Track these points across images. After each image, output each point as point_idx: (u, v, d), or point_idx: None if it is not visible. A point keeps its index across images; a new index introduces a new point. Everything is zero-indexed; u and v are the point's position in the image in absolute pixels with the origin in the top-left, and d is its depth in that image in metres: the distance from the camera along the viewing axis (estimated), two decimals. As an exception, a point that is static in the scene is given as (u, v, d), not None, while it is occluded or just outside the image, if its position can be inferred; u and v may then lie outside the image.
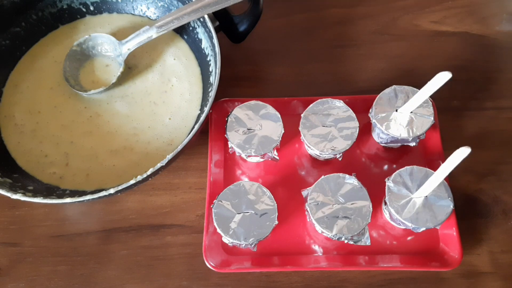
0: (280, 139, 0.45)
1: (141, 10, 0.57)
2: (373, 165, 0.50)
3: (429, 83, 0.41)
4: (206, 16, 0.49)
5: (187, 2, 0.51)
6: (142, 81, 0.53)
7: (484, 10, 0.60)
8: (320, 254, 0.46)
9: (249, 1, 0.51)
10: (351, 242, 0.42)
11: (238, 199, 0.43)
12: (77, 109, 0.52)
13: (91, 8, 0.57)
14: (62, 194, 0.47)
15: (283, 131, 0.46)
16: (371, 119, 0.47)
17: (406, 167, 0.44)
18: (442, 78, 0.39)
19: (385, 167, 0.50)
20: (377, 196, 0.45)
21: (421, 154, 0.50)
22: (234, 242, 0.42)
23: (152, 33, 0.51)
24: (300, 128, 0.46)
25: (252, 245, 0.42)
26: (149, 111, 0.51)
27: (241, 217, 0.42)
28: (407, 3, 0.61)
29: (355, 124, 0.46)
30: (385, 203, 0.44)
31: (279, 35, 0.60)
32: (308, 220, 0.43)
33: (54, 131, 0.50)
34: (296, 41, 0.59)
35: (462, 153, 0.35)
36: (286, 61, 0.58)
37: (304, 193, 0.44)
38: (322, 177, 0.43)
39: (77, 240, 0.49)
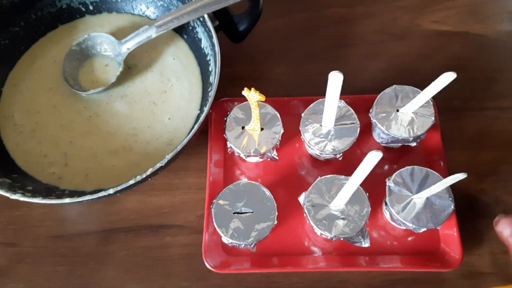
0: (280, 139, 0.45)
1: (141, 9, 0.57)
2: (373, 165, 0.50)
3: (433, 83, 0.41)
4: (205, 16, 0.49)
5: (186, 1, 0.51)
6: (141, 81, 0.53)
7: (485, 10, 0.60)
8: (320, 254, 0.46)
9: (249, 1, 0.51)
10: (351, 242, 0.42)
11: (237, 199, 0.42)
12: (77, 109, 0.52)
13: (91, 7, 0.57)
14: (61, 194, 0.46)
15: (282, 131, 0.46)
16: (371, 119, 0.47)
17: (406, 167, 0.44)
18: (447, 78, 0.39)
19: (386, 167, 0.50)
20: (377, 196, 0.45)
21: (421, 154, 0.50)
22: (233, 243, 0.42)
23: (151, 32, 0.51)
24: (300, 128, 0.46)
25: (252, 246, 0.42)
26: (149, 111, 0.51)
27: (240, 217, 0.42)
28: (407, 3, 0.61)
29: (356, 124, 0.46)
30: (386, 204, 0.44)
31: (279, 35, 0.59)
32: (307, 222, 0.43)
33: (53, 131, 0.50)
34: (296, 41, 0.59)
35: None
36: (286, 61, 0.58)
37: (300, 199, 0.44)
38: (319, 178, 0.43)
39: (77, 241, 0.48)
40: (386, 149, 0.50)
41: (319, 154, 0.47)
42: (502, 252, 0.47)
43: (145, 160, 0.48)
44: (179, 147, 0.42)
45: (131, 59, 0.54)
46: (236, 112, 0.47)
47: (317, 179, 0.43)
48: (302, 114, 0.46)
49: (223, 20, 0.51)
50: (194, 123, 0.50)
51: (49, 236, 0.49)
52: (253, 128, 0.46)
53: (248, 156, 0.46)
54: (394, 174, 0.44)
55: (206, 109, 0.44)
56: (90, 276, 0.47)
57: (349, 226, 0.41)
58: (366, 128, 0.50)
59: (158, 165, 0.41)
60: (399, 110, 0.46)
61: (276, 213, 0.42)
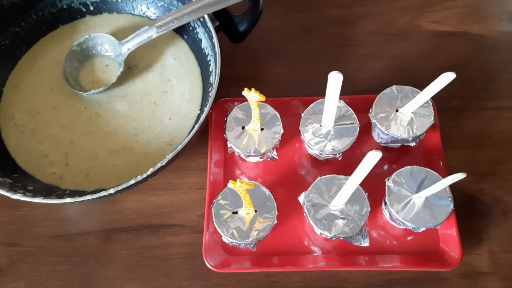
0: (280, 139, 0.46)
1: (141, 10, 0.57)
2: (373, 165, 0.50)
3: (432, 83, 0.41)
4: (206, 16, 0.49)
5: (187, 2, 0.51)
6: (142, 81, 0.53)
7: (484, 10, 0.60)
8: (320, 254, 0.46)
9: (249, 1, 0.51)
10: (351, 241, 0.42)
11: (237, 199, 0.42)
12: (77, 109, 0.52)
13: (91, 8, 0.57)
14: (62, 194, 0.47)
15: (282, 131, 0.46)
16: (371, 119, 0.47)
17: (406, 167, 0.44)
18: (446, 78, 0.39)
19: (385, 167, 0.50)
20: (377, 196, 0.45)
21: (421, 154, 0.50)
22: (233, 242, 0.42)
23: (152, 33, 0.51)
24: (300, 128, 0.46)
25: (252, 245, 0.42)
26: (149, 111, 0.51)
27: (240, 217, 0.42)
28: (407, 3, 0.61)
29: (355, 124, 0.46)
30: (385, 203, 0.44)
31: (279, 35, 0.60)
32: (307, 222, 0.43)
33: (54, 131, 0.50)
34: (296, 41, 0.59)
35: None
36: (286, 61, 0.58)
37: (300, 198, 0.44)
38: (318, 178, 0.43)
39: (77, 240, 0.49)
40: (385, 149, 0.50)
41: (318, 154, 0.47)
42: (501, 252, 0.47)
43: (145, 160, 0.49)
44: (179, 147, 0.42)
45: (132, 59, 0.54)
46: (236, 112, 0.47)
47: (316, 179, 0.44)
48: (302, 114, 0.47)
49: (223, 21, 0.51)
50: (195, 123, 0.51)
51: (49, 236, 0.49)
52: (253, 128, 0.46)
53: (248, 156, 0.46)
54: (394, 174, 0.44)
55: (206, 109, 0.44)
56: (91, 276, 0.47)
57: (349, 226, 0.41)
58: (366, 128, 0.50)
59: (159, 165, 0.41)
60: (399, 110, 0.46)
61: (276, 213, 0.42)
